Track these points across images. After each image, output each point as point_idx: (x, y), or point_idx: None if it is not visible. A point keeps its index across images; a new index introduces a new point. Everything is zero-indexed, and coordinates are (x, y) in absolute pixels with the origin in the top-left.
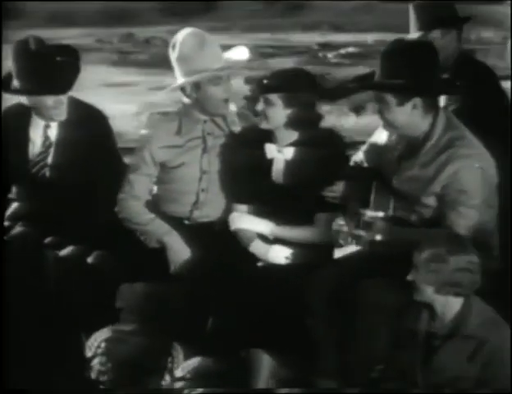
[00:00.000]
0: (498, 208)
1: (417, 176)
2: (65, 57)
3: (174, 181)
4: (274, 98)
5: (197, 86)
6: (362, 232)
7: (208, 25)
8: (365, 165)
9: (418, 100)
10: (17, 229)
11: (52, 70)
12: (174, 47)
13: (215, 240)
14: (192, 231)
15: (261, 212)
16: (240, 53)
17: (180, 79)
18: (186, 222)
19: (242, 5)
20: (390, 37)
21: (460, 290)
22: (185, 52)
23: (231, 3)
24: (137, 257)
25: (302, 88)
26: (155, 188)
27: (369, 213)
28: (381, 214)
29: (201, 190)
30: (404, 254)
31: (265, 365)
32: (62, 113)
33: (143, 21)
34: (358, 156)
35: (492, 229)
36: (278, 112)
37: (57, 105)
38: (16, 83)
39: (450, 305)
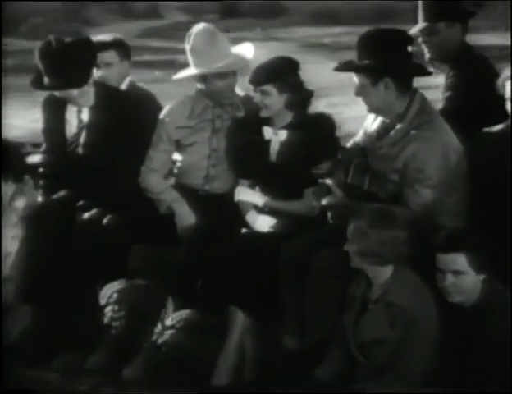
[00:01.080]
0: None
1: (385, 155)
2: (81, 52)
3: (188, 157)
4: (268, 88)
5: (204, 78)
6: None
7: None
8: (360, 145)
9: (388, 80)
10: (59, 194)
11: (70, 66)
12: (188, 39)
13: (222, 209)
14: (204, 200)
15: (259, 186)
16: (247, 50)
17: (191, 69)
18: (200, 192)
19: None
20: None
21: (382, 261)
22: (196, 47)
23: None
24: (151, 221)
25: (289, 72)
26: (178, 163)
27: (320, 180)
28: (328, 181)
29: (211, 165)
30: None
31: (239, 322)
32: (89, 100)
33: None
34: (357, 137)
35: (452, 210)
36: (275, 100)
37: (82, 94)
38: (45, 80)
39: (379, 273)
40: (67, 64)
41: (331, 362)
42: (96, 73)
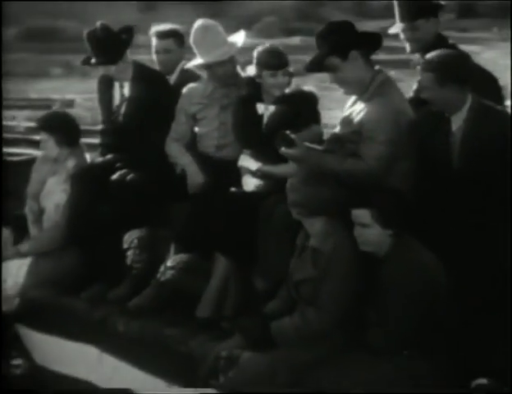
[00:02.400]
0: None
1: (350, 121)
2: (117, 36)
3: (202, 129)
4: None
5: (206, 66)
6: None
7: None
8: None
9: (355, 52)
10: (105, 157)
11: (106, 47)
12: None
13: (227, 173)
14: (214, 165)
15: (254, 153)
16: (239, 37)
17: (197, 60)
18: (213, 158)
19: None
20: None
21: (307, 212)
22: (194, 41)
23: None
24: (168, 180)
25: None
26: (197, 134)
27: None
28: (293, 135)
29: (220, 136)
30: None
31: (223, 265)
32: (127, 75)
33: None
34: None
35: (402, 174)
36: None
37: (119, 71)
38: (92, 59)
39: (312, 224)
40: (104, 45)
41: (278, 299)
42: (156, 57)
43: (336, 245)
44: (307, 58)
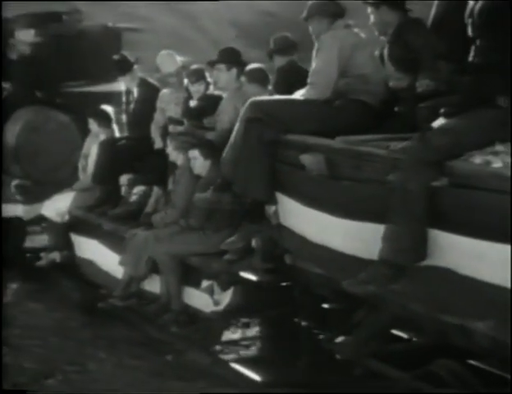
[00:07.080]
0: None
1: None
2: (131, 60)
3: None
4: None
5: (163, 77)
6: None
7: None
8: None
9: (234, 69)
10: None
11: (120, 65)
12: None
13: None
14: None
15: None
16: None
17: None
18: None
19: None
20: None
21: (182, 151)
22: (157, 61)
23: None
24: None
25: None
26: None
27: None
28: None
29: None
30: None
31: (155, 191)
32: (133, 85)
33: None
34: None
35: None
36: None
37: (129, 80)
38: None
39: (179, 159)
40: (118, 64)
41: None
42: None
43: (182, 170)
44: None
